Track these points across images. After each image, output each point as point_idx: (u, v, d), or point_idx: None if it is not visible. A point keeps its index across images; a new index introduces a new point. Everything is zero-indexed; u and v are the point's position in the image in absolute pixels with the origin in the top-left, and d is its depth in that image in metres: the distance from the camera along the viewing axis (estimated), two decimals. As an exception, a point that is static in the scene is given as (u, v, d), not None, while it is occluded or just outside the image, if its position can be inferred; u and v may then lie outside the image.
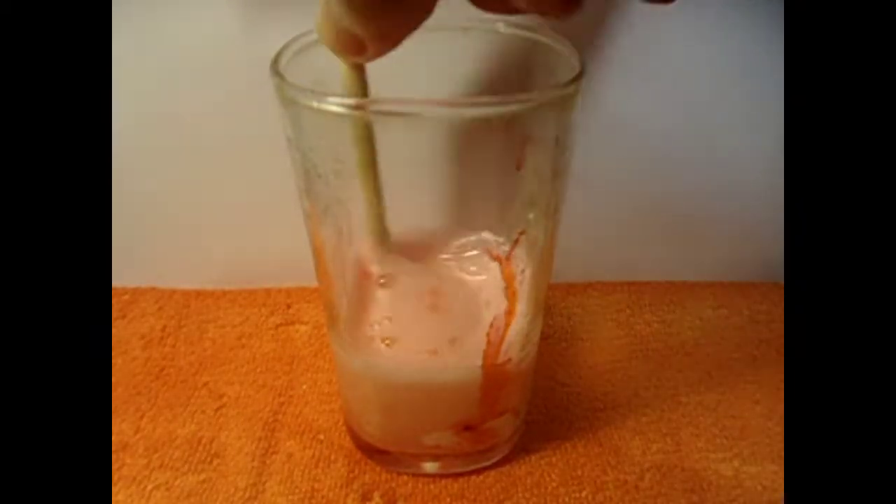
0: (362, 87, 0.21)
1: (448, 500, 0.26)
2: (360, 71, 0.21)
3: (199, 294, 0.37)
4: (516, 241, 0.25)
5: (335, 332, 0.25)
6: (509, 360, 0.25)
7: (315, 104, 0.19)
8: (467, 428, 0.26)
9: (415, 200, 0.27)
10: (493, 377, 0.25)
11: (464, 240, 0.27)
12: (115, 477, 0.27)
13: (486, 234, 0.27)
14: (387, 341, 0.25)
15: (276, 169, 0.27)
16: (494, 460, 0.27)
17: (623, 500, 0.26)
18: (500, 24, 0.23)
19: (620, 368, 0.33)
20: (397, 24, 0.17)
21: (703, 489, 0.27)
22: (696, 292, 0.37)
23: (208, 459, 0.28)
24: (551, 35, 0.23)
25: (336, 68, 0.23)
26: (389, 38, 0.18)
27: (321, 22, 0.18)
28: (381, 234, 0.25)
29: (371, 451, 0.28)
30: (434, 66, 0.20)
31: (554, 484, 0.27)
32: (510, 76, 0.24)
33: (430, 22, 0.19)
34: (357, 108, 0.20)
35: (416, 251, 0.27)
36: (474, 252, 0.27)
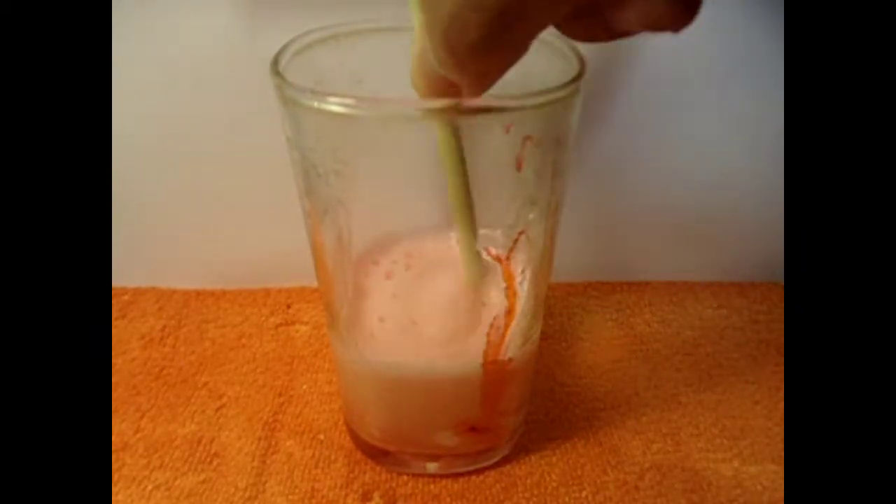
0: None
1: (448, 500, 0.26)
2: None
3: (199, 294, 0.37)
4: (516, 241, 0.25)
5: (335, 331, 0.25)
6: (509, 359, 0.25)
7: (315, 104, 0.19)
8: (473, 429, 0.26)
9: (415, 200, 0.27)
10: (494, 377, 0.25)
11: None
12: (115, 477, 0.27)
13: (486, 234, 0.27)
14: (388, 341, 0.25)
15: (276, 169, 0.27)
16: (494, 460, 0.27)
17: (623, 500, 0.26)
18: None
19: (620, 368, 0.33)
20: (494, 68, 0.17)
21: (703, 489, 0.27)
22: (696, 292, 0.37)
23: (208, 459, 0.28)
24: (551, 35, 0.23)
25: (336, 67, 0.23)
26: (485, 82, 0.18)
27: (414, 71, 0.18)
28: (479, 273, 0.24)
29: (371, 451, 0.28)
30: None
31: (554, 484, 0.27)
32: (510, 76, 0.24)
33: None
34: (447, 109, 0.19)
35: (417, 251, 0.27)
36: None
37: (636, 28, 0.15)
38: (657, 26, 0.15)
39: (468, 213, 0.23)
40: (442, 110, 0.19)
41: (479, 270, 0.24)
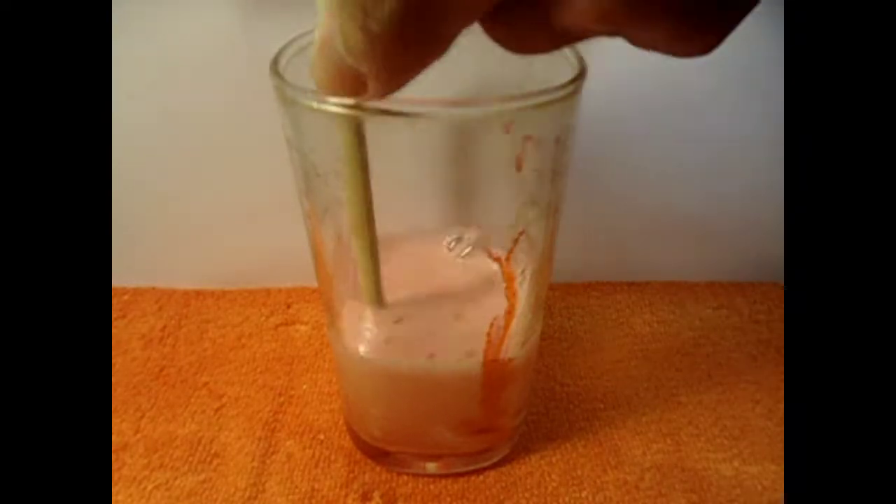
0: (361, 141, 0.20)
1: (448, 500, 0.26)
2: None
3: (199, 294, 0.37)
4: (516, 241, 0.25)
5: (335, 331, 0.25)
6: (510, 359, 0.25)
7: (315, 104, 0.19)
8: (473, 429, 0.26)
9: (415, 200, 0.27)
10: (494, 376, 0.25)
11: (464, 239, 0.27)
12: (115, 477, 0.27)
13: (487, 234, 0.27)
14: (388, 340, 0.25)
15: (275, 169, 0.27)
16: (494, 460, 0.27)
17: (623, 500, 0.26)
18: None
19: (620, 368, 0.33)
20: (407, 60, 0.15)
21: (703, 489, 0.27)
22: (696, 292, 0.37)
23: (208, 459, 0.28)
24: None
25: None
26: (395, 78, 0.16)
27: (316, 61, 0.16)
28: (378, 300, 0.24)
29: (371, 451, 0.28)
30: (434, 65, 0.20)
31: (554, 484, 0.27)
32: (510, 76, 0.24)
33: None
34: (355, 108, 0.19)
35: (417, 251, 0.27)
36: (474, 252, 0.27)
37: (583, 24, 0.13)
38: (613, 29, 0.13)
39: (371, 229, 0.22)
40: (440, 110, 0.19)
41: (377, 294, 0.24)
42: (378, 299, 0.24)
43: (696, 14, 0.13)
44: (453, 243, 0.27)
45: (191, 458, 0.28)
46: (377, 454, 0.27)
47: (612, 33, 0.14)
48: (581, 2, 0.13)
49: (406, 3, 0.13)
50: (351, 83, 0.16)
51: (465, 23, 0.14)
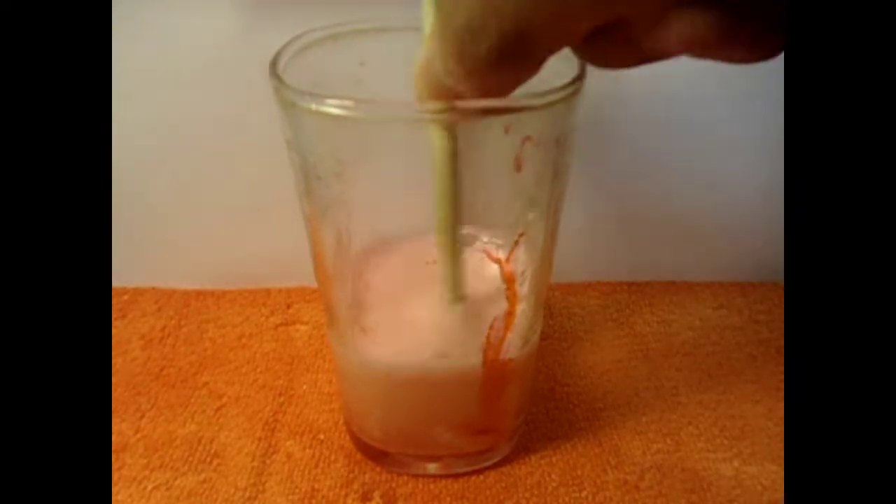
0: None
1: (448, 500, 0.26)
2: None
3: (199, 294, 0.37)
4: (516, 242, 0.25)
5: (335, 331, 0.25)
6: (509, 360, 0.25)
7: (314, 106, 0.19)
8: (473, 430, 0.26)
9: (414, 202, 0.27)
10: (494, 377, 0.25)
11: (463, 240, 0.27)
12: (115, 477, 0.27)
13: (486, 235, 0.27)
14: (388, 341, 0.25)
15: (275, 169, 0.27)
16: (494, 460, 0.27)
17: (623, 500, 0.26)
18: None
19: (620, 368, 0.33)
20: (503, 84, 0.16)
21: (703, 489, 0.27)
22: (696, 292, 0.37)
23: (208, 459, 0.28)
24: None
25: (335, 68, 0.23)
26: (491, 95, 0.17)
27: (418, 80, 0.17)
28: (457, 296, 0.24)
29: (371, 452, 0.28)
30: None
31: (554, 484, 0.27)
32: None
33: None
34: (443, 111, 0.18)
35: (417, 252, 0.27)
36: (474, 253, 0.27)
37: (675, 50, 0.14)
38: (701, 52, 0.14)
39: (455, 228, 0.22)
40: (441, 112, 0.19)
41: (459, 292, 0.24)
42: (457, 295, 0.24)
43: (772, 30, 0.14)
44: None
45: (191, 458, 0.28)
46: (377, 455, 0.27)
47: (697, 56, 0.15)
48: (674, 35, 0.14)
49: (501, 42, 0.14)
50: (447, 97, 0.17)
51: (556, 51, 0.15)
